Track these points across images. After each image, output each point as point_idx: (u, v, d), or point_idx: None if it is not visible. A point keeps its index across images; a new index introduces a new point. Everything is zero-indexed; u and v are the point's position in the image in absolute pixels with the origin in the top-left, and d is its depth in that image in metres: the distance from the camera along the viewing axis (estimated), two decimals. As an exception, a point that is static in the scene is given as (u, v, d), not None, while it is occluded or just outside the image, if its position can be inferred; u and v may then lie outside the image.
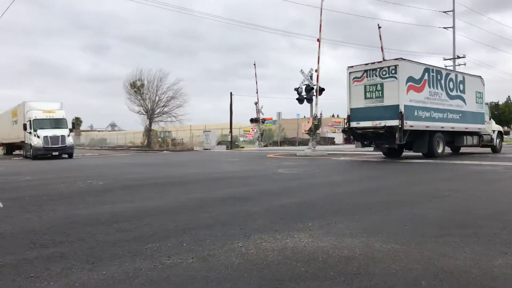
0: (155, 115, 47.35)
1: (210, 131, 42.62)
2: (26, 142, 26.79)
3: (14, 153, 33.54)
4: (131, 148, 49.46)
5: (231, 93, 42.15)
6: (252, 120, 43.99)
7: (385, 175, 10.85)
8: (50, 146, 25.04)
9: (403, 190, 7.84)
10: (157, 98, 47.39)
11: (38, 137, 25.18)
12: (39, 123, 25.89)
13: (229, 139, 41.52)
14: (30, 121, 26.02)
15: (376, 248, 3.90)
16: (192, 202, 6.70)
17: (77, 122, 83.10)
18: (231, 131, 41.59)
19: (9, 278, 3.26)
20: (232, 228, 4.78)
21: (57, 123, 26.45)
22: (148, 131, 47.06)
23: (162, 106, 47.40)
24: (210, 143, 40.80)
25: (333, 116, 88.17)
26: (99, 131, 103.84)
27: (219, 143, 43.12)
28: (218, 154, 29.13)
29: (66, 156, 25.89)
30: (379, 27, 31.88)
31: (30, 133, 25.78)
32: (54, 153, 25.02)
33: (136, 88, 47.60)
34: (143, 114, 47.67)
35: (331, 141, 51.86)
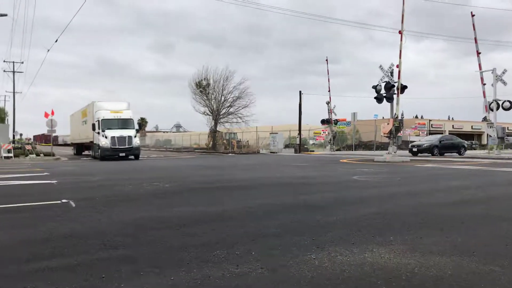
0: (221, 116, 48.70)
1: (277, 133, 42.84)
2: (94, 142, 28.88)
3: (83, 153, 36.49)
4: (196, 150, 51.42)
5: (300, 91, 41.91)
6: (323, 121, 43.34)
7: (486, 184, 10.09)
8: (117, 147, 26.45)
9: (508, 203, 7.23)
10: (222, 98, 48.73)
11: (106, 137, 26.79)
12: (107, 123, 27.54)
13: (298, 142, 41.37)
14: (98, 121, 27.79)
15: (471, 270, 3.63)
16: (260, 208, 6.77)
17: (142, 123, 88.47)
18: (300, 133, 41.42)
19: (82, 277, 3.53)
20: (304, 238, 4.74)
21: (125, 123, 27.99)
22: (213, 132, 48.53)
23: (228, 107, 48.61)
24: (277, 146, 41.00)
25: (416, 117, 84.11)
26: (164, 132, 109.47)
27: (286, 146, 43.18)
28: (286, 157, 29.18)
29: (132, 157, 27.43)
30: (473, 15, 29.81)
31: (98, 133, 27.56)
32: (121, 154, 26.36)
33: (202, 87, 49.36)
34: (208, 115, 49.28)
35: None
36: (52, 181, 11.57)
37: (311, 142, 51.55)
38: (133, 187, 10.05)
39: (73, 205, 7.21)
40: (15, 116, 58.81)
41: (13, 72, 58.03)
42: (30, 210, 6.75)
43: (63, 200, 7.62)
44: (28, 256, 4.08)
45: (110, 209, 6.74)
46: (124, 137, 26.75)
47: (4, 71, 58.77)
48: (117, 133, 26.84)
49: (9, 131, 39.86)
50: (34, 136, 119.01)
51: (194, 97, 49.91)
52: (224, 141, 48.86)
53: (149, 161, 25.62)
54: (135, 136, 27.54)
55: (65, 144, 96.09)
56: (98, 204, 7.35)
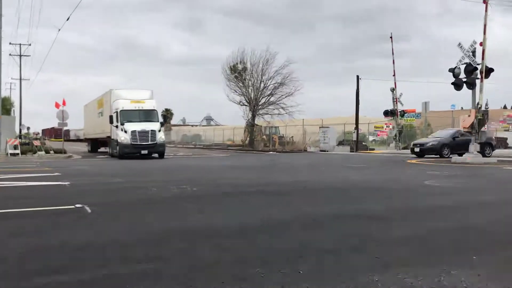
0: (259, 107, 48.91)
1: (328, 127, 42.47)
2: (112, 137, 29.60)
3: (99, 150, 37.68)
4: (229, 147, 51.89)
5: (357, 76, 41.30)
6: (386, 113, 42.36)
7: None
8: (138, 143, 26.88)
9: None
10: (262, 85, 48.91)
11: (125, 131, 27.25)
12: (126, 115, 28.04)
13: (354, 138, 40.85)
14: (117, 112, 28.38)
15: None
16: (309, 217, 6.75)
17: (167, 115, 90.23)
18: (357, 127, 40.87)
19: (100, 294, 3.66)
20: (363, 255, 4.69)
21: (147, 115, 28.48)
22: (251, 126, 48.83)
23: (268, 95, 48.74)
24: (329, 143, 40.67)
25: (504, 107, 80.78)
26: (192, 125, 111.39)
27: (340, 143, 42.74)
28: (339, 157, 28.92)
29: (156, 155, 27.99)
30: None
31: (116, 126, 28.17)
32: (143, 152, 26.75)
33: (237, 72, 49.77)
34: (245, 105, 49.61)
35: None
36: (64, 183, 12.03)
37: (371, 138, 50.78)
38: (157, 190, 10.29)
39: (89, 210, 7.47)
40: (21, 106, 61.71)
41: (20, 55, 60.78)
42: (40, 215, 7.06)
43: (77, 205, 7.91)
44: (37, 268, 4.27)
45: (131, 216, 6.94)
46: (147, 132, 27.09)
47: (10, 54, 61.40)
48: (138, 126, 27.24)
49: (15, 124, 41.79)
50: (43, 130, 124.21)
51: (228, 84, 50.39)
52: (264, 136, 49.06)
53: (175, 160, 26.12)
54: (159, 130, 27.92)
55: (78, 140, 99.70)
56: (117, 210, 7.58)
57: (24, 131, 63.44)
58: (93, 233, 5.77)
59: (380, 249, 4.92)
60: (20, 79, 62.04)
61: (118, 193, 9.92)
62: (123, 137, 27.16)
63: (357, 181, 12.39)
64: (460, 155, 24.16)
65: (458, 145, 25.96)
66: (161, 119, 29.81)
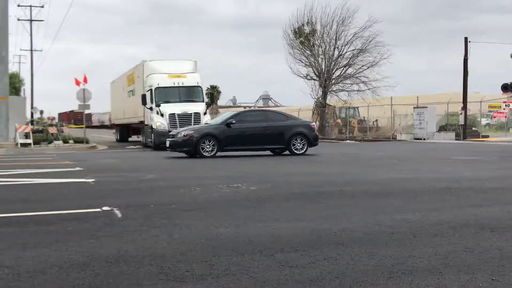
0: (333, 81, 48.64)
1: (426, 107, 41.57)
2: (146, 123, 30.25)
3: (130, 139, 38.65)
4: (294, 135, 51.77)
5: (465, 39, 40.15)
6: (506, 88, 40.95)
7: None
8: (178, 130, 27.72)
9: None
10: (336, 52, 48.60)
11: (162, 115, 27.79)
12: (163, 94, 28.59)
13: (461, 122, 39.77)
14: (151, 90, 29.00)
15: None
16: (402, 226, 6.69)
17: (214, 94, 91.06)
18: (464, 108, 39.80)
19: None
20: (478, 276, 4.59)
21: (190, 93, 29.10)
22: (322, 107, 48.61)
23: (345, 66, 48.38)
24: (426, 129, 39.82)
25: None
26: (245, 107, 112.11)
27: (441, 128, 41.80)
28: (442, 147, 28.29)
29: None
30: None
31: (151, 109, 28.85)
32: None
33: (303, 37, 49.63)
34: (314, 80, 49.45)
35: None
36: (87, 180, 12.49)
37: (484, 122, 49.33)
38: (203, 189, 10.48)
39: (119, 214, 7.71)
40: (33, 85, 64.40)
41: (30, 20, 63.27)
42: (59, 221, 7.35)
43: (105, 208, 8.18)
44: (59, 287, 4.45)
45: (171, 222, 7.09)
46: (189, 115, 27.58)
47: (18, 19, 63.92)
48: (178, 108, 27.80)
49: (26, 107, 43.54)
50: (59, 114, 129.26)
51: (292, 52, 50.38)
52: (338, 120, 48.77)
53: (223, 152, 26.49)
54: (205, 113, 28.29)
55: (102, 126, 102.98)
56: (153, 214, 7.77)
57: (37, 115, 66.25)
58: (125, 243, 5.94)
59: (498, 268, 4.79)
60: (31, 50, 64.66)
61: (154, 193, 10.16)
62: (159, 122, 27.64)
63: (468, 178, 12.12)
64: (237, 150, 21.59)
65: (238, 138, 21.48)
66: (206, 99, 30.25)
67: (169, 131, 26.17)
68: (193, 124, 26.62)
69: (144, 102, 29.13)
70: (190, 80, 29.14)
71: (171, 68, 29.70)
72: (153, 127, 27.96)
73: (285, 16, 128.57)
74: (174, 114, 27.51)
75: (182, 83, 28.88)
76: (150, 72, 29.66)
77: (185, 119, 27.47)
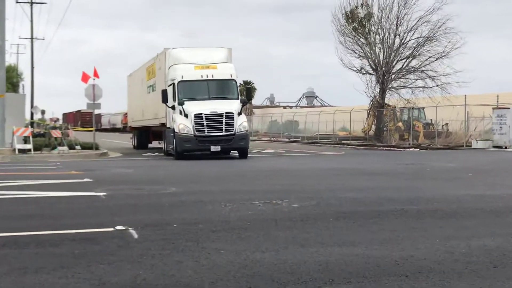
0: (392, 75, 48.22)
1: (508, 108, 40.91)
2: (167, 125, 29.91)
3: (150, 145, 38.69)
4: (344, 141, 51.63)
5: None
6: None
7: None
8: (206, 134, 26.20)
9: None
10: (397, 40, 48.20)
11: (186, 115, 26.53)
12: (188, 89, 27.42)
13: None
14: (173, 84, 27.81)
15: None
16: (480, 254, 6.63)
17: (251, 88, 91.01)
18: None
19: None
20: None
21: (221, 88, 28.05)
22: (379, 107, 48.25)
23: (407, 57, 47.87)
24: (508, 134, 39.17)
25: None
26: (285, 107, 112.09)
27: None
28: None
29: (235, 153, 28.11)
30: None
31: (173, 108, 27.85)
32: (213, 148, 26.29)
33: (357, 22, 49.39)
34: (369, 74, 49.15)
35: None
36: (98, 193, 12.62)
37: None
38: (235, 206, 10.49)
39: (135, 235, 7.78)
40: (33, 80, 65.42)
41: (31, 3, 64.31)
42: (65, 242, 7.45)
43: (118, 227, 8.25)
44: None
45: (197, 246, 7.12)
46: (219, 116, 26.45)
47: (17, 1, 64.91)
48: (206, 107, 26.66)
49: (26, 107, 44.09)
50: (64, 115, 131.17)
51: (342, 40, 50.18)
52: (399, 124, 48.29)
53: (260, 161, 26.51)
54: (239, 113, 27.21)
55: (113, 129, 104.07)
56: (176, 235, 7.80)
57: (38, 116, 67.20)
58: (143, 269, 5.99)
59: None
60: (32, 38, 65.65)
61: (176, 210, 10.22)
62: (182, 125, 26.57)
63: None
64: None
65: None
66: (242, 95, 29.02)
67: (195, 136, 26.27)
68: (225, 127, 26.26)
69: (165, 100, 28.12)
70: (221, 72, 27.75)
71: (199, 58, 28.41)
72: (175, 130, 26.79)
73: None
74: (201, 114, 26.26)
75: (212, 76, 27.56)
76: (174, 63, 28.54)
77: (214, 120, 26.30)
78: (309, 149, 39.96)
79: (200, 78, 27.60)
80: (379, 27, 48.56)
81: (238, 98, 27.75)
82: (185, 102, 26.95)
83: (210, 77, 27.62)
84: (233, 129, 26.48)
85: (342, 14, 49.82)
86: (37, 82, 68.11)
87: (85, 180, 16.06)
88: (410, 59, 47.69)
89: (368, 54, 48.60)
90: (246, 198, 11.67)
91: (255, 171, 20.06)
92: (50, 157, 28.16)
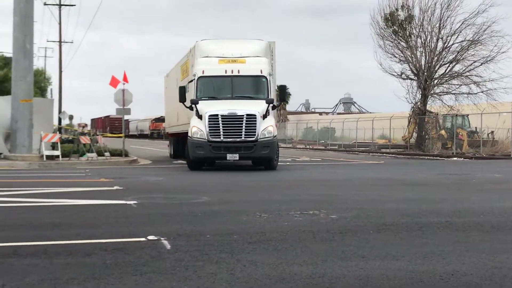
0: (435, 81, 47.86)
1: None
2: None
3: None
4: (383, 149, 51.36)
5: None
6: None
7: None
8: (222, 139, 23.94)
9: None
10: (439, 44, 47.86)
11: (200, 117, 24.33)
12: (209, 86, 25.61)
13: None
14: (193, 80, 25.74)
15: None
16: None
17: (287, 88, 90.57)
18: None
19: None
20: None
21: (248, 86, 25.78)
22: (421, 114, 47.91)
23: (451, 62, 47.52)
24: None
25: None
26: (321, 113, 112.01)
27: None
28: None
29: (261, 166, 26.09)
30: None
31: (191, 108, 25.55)
32: (230, 157, 24.21)
33: (397, 25, 49.14)
34: (410, 79, 48.85)
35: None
36: (128, 202, 12.76)
37: None
38: (271, 217, 10.53)
39: (168, 246, 7.83)
40: (61, 84, 66.08)
41: (59, 5, 65.03)
42: (96, 252, 7.52)
43: (150, 237, 8.32)
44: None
45: (232, 257, 7.14)
46: (239, 118, 24.08)
47: (45, 4, 65.57)
48: (224, 106, 24.51)
49: (54, 112, 44.48)
50: (92, 121, 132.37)
51: (382, 44, 49.95)
52: (442, 131, 47.89)
53: (295, 169, 26.50)
54: (264, 116, 24.42)
55: (141, 135, 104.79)
56: (210, 246, 7.83)
57: (66, 121, 67.72)
58: (176, 281, 6.03)
59: None
60: (60, 41, 66.33)
61: (209, 220, 10.26)
62: (195, 128, 24.45)
63: None
64: None
65: None
66: (272, 95, 25.96)
67: (209, 141, 23.95)
68: (245, 132, 23.92)
69: (182, 98, 26.38)
70: (250, 67, 25.26)
71: (227, 50, 26.22)
72: (188, 134, 24.81)
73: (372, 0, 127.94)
74: (217, 115, 23.96)
75: (238, 71, 25.06)
76: (200, 55, 26.45)
77: (233, 123, 23.93)
78: (347, 158, 39.84)
79: (224, 74, 25.23)
80: (421, 30, 48.23)
81: (266, 97, 24.92)
82: (200, 101, 24.82)
83: (235, 73, 25.15)
84: (254, 135, 23.95)
85: (381, 17, 49.62)
86: (65, 86, 68.93)
87: (115, 188, 16.20)
88: (454, 63, 47.30)
89: (409, 58, 48.29)
90: (282, 208, 11.70)
91: (290, 180, 20.07)
92: (79, 164, 28.46)
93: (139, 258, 7.09)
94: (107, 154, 32.62)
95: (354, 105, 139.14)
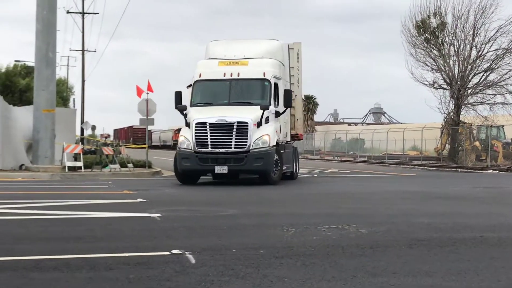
0: (469, 91, 47.59)
1: None
2: None
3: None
4: (415, 161, 51.09)
5: None
6: None
7: None
8: (209, 149, 22.37)
9: None
10: (473, 53, 47.58)
11: (188, 125, 22.98)
12: (206, 91, 24.20)
13: None
14: (191, 85, 24.45)
15: None
16: None
17: (310, 105, 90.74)
18: None
19: None
20: None
21: (247, 91, 23.92)
22: (454, 125, 47.64)
23: (485, 71, 47.22)
24: None
25: None
26: (349, 124, 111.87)
27: None
28: None
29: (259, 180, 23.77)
30: None
31: (185, 115, 23.77)
32: (218, 169, 22.42)
33: (429, 33, 48.98)
34: (443, 88, 48.60)
35: None
36: (152, 214, 12.79)
37: None
38: (298, 231, 10.50)
39: (192, 260, 7.83)
40: (84, 94, 66.63)
41: (82, 13, 65.68)
42: (119, 266, 7.55)
43: (174, 251, 8.32)
44: None
45: (259, 272, 7.12)
46: (229, 126, 22.34)
47: (67, 12, 66.28)
48: (215, 113, 22.89)
49: (76, 122, 44.87)
50: (115, 131, 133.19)
51: (413, 52, 49.82)
52: (476, 143, 47.59)
53: (323, 182, 26.43)
54: (259, 124, 22.37)
55: (164, 146, 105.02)
56: (236, 260, 7.82)
57: (88, 131, 68.37)
58: (203, 297, 6.05)
59: None
60: (83, 50, 66.93)
61: (235, 234, 10.27)
62: (183, 137, 23.10)
63: None
64: None
65: None
66: (275, 101, 23.59)
67: (195, 152, 22.31)
68: (235, 142, 22.11)
69: (177, 104, 24.06)
70: (252, 70, 23.32)
71: (230, 51, 24.69)
72: (177, 145, 23.71)
73: (405, 4, 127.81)
74: (204, 123, 22.26)
75: (238, 74, 23.30)
76: (209, 56, 25.30)
77: (222, 132, 22.22)
78: (377, 170, 39.71)
79: (222, 77, 23.51)
80: (454, 37, 48.01)
81: (269, 104, 22.90)
82: (193, 108, 23.42)
83: (235, 77, 23.35)
84: (245, 145, 22.08)
85: (413, 24, 49.48)
86: (87, 95, 69.48)
87: (138, 200, 16.28)
88: (488, 72, 47.03)
89: (442, 67, 48.06)
90: (309, 222, 11.67)
91: (318, 194, 20.05)
92: (101, 176, 28.65)
93: (163, 273, 7.09)
94: (130, 165, 32.82)
95: (384, 115, 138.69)
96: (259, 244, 9.16)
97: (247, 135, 21.94)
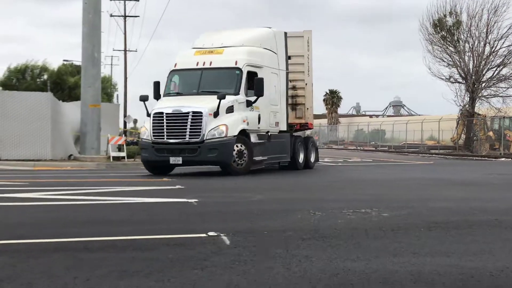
0: (482, 84, 47.21)
1: None
2: None
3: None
4: (432, 150, 50.85)
5: None
6: None
7: None
8: (165, 139, 20.79)
9: None
10: (487, 49, 47.22)
11: (150, 116, 21.32)
12: (178, 81, 22.66)
13: None
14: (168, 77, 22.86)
15: None
16: None
17: (333, 99, 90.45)
18: None
19: None
20: None
21: (218, 80, 21.91)
22: (469, 116, 47.30)
23: (498, 66, 46.85)
24: None
25: None
26: (371, 116, 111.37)
27: None
28: None
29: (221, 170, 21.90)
30: None
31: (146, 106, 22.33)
32: (173, 161, 20.83)
33: (445, 30, 48.70)
34: (458, 82, 48.30)
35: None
36: (190, 200, 12.84)
37: None
38: (324, 215, 10.52)
39: (227, 241, 7.86)
40: (126, 89, 67.10)
41: (124, 16, 66.07)
42: (158, 247, 7.59)
43: (211, 233, 8.35)
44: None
45: (288, 252, 7.12)
46: (183, 116, 20.54)
47: (111, 15, 66.78)
48: (174, 103, 21.41)
49: (119, 116, 45.24)
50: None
51: (430, 49, 49.63)
52: (490, 133, 47.28)
53: (347, 170, 26.35)
54: (216, 113, 20.35)
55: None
56: (267, 242, 7.85)
57: (130, 124, 68.72)
58: (235, 275, 6.03)
59: None
60: (125, 50, 67.38)
61: (265, 217, 10.28)
62: (144, 128, 21.97)
63: None
64: None
65: None
66: (248, 90, 21.61)
67: (152, 143, 20.85)
68: (189, 132, 20.29)
69: (155, 95, 22.64)
70: (225, 59, 21.61)
71: (209, 41, 23.10)
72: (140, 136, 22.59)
73: (422, 5, 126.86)
74: (161, 113, 20.69)
75: (210, 63, 21.50)
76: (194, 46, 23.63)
77: (177, 122, 20.57)
78: (397, 159, 39.57)
79: (194, 67, 21.77)
80: (468, 35, 47.78)
81: (235, 94, 21.10)
82: (162, 98, 22.12)
83: (207, 66, 21.52)
84: (199, 135, 20.23)
85: (430, 23, 49.37)
86: (129, 92, 69.89)
87: (177, 187, 16.39)
88: (501, 67, 46.81)
89: (457, 63, 47.84)
90: (334, 207, 11.65)
91: (342, 181, 20.01)
92: (142, 165, 28.80)
93: (200, 253, 7.12)
94: (168, 155, 32.89)
95: (403, 108, 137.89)
96: (287, 227, 9.18)
97: (200, 125, 20.07)
